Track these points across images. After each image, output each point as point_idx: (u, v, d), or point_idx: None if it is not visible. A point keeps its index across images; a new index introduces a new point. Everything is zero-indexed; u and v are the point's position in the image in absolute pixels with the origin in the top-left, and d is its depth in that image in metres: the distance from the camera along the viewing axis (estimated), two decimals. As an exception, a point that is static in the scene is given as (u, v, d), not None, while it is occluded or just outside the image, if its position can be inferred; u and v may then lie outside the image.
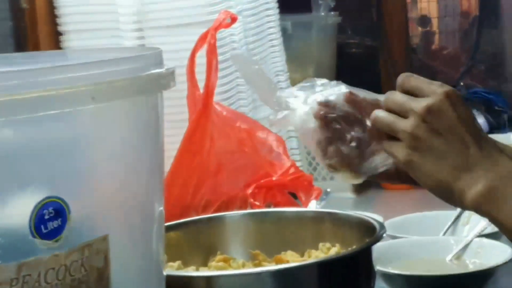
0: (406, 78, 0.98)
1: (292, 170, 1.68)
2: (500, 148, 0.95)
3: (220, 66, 1.75)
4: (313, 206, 1.60)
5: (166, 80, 0.60)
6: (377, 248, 1.31)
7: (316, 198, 1.67)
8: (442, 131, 0.93)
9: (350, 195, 2.21)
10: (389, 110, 0.97)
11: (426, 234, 1.56)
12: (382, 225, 1.03)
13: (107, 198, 0.61)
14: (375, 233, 1.03)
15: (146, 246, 0.75)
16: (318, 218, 1.14)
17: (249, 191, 1.63)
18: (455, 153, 0.92)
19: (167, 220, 1.73)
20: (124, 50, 0.67)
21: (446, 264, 1.34)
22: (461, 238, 1.39)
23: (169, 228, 1.14)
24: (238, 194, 1.72)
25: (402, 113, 0.95)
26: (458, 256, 1.36)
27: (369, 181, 2.26)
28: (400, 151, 0.95)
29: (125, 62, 0.55)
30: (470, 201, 0.92)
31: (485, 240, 1.36)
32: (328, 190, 1.71)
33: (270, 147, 1.71)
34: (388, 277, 1.26)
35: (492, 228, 1.42)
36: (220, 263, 1.07)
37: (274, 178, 1.66)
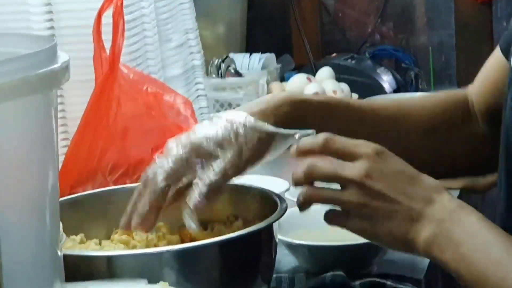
0: (329, 141, 0.96)
1: (199, 133, 1.67)
2: (437, 186, 0.95)
3: (127, 26, 1.73)
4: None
5: (59, 76, 0.58)
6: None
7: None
8: (385, 191, 0.93)
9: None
10: (318, 179, 0.96)
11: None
12: (282, 200, 1.04)
13: None
14: (276, 206, 1.04)
15: (38, 227, 0.74)
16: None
17: (156, 156, 1.62)
18: (401, 208, 0.93)
19: (74, 183, 1.73)
20: (16, 38, 0.65)
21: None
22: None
23: (71, 201, 1.14)
24: (145, 158, 1.71)
25: (336, 182, 0.95)
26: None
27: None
28: (350, 222, 0.95)
29: (13, 62, 0.54)
30: (421, 250, 0.94)
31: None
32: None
33: (178, 110, 1.70)
34: (291, 246, 1.28)
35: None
36: (124, 236, 1.06)
37: (181, 142, 1.65)
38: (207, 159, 1.02)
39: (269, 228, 0.99)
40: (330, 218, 0.98)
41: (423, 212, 0.93)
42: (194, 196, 1.00)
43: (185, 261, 0.91)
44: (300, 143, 0.98)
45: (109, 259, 0.91)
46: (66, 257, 0.81)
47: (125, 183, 1.70)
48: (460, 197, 1.70)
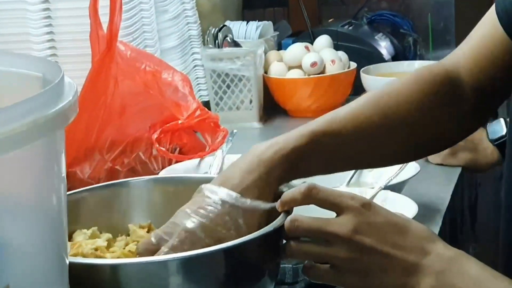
0: (312, 190, 0.93)
1: (198, 112, 1.66)
2: (429, 235, 0.92)
3: (124, 0, 1.70)
4: (219, 153, 1.58)
5: (66, 115, 0.56)
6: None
7: (222, 140, 1.66)
8: (376, 245, 0.90)
9: (256, 124, 2.21)
10: (302, 235, 0.93)
11: (331, 181, 1.57)
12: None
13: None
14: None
15: (45, 239, 0.72)
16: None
17: (155, 136, 1.60)
18: (394, 262, 0.90)
19: (71, 161, 1.70)
20: (20, 59, 0.62)
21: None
22: (366, 189, 1.39)
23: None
24: (143, 136, 1.69)
25: (322, 237, 0.92)
26: (364, 209, 1.37)
27: (274, 109, 2.27)
28: (339, 277, 0.92)
29: (17, 108, 0.50)
30: None
31: (390, 193, 1.38)
32: (235, 131, 1.69)
33: (176, 87, 1.68)
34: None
35: (396, 180, 1.44)
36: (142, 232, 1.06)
37: (180, 122, 1.64)
38: None
39: (277, 230, 0.97)
40: (312, 273, 0.94)
41: (419, 264, 0.89)
42: None
43: (191, 268, 0.90)
44: (283, 196, 0.95)
45: (113, 267, 0.89)
46: (70, 265, 0.80)
47: (123, 162, 1.69)
48: (461, 175, 1.68)
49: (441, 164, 1.72)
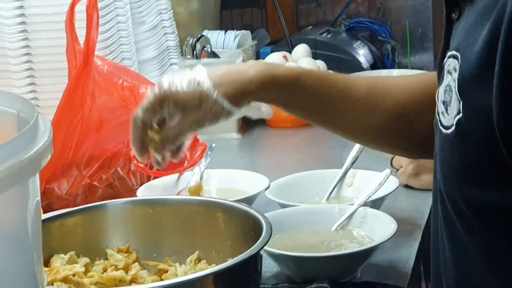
0: None
1: (176, 127, 1.64)
2: None
3: (100, 13, 1.68)
4: (197, 169, 1.58)
5: (40, 159, 0.55)
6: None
7: (200, 154, 1.65)
8: None
9: (235, 135, 2.20)
10: None
11: (311, 195, 1.57)
12: (268, 225, 1.02)
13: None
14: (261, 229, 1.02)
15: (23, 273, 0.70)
16: (208, 209, 1.12)
17: (133, 153, 1.59)
18: None
19: (49, 177, 1.69)
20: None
21: (332, 234, 1.35)
22: (345, 206, 1.39)
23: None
24: (121, 151, 1.68)
25: None
26: (343, 226, 1.37)
27: (253, 120, 2.27)
28: None
29: None
30: None
31: (368, 209, 1.37)
32: (213, 145, 1.68)
33: (154, 102, 1.67)
34: (274, 256, 1.25)
35: (375, 196, 1.44)
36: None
37: (158, 137, 1.62)
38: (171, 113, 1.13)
39: (257, 254, 0.96)
40: None
41: None
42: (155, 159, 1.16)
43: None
44: None
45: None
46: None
47: (101, 177, 1.68)
48: None
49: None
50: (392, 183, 1.49)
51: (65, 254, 1.07)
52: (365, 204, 1.38)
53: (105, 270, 1.06)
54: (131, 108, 1.65)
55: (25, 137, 0.55)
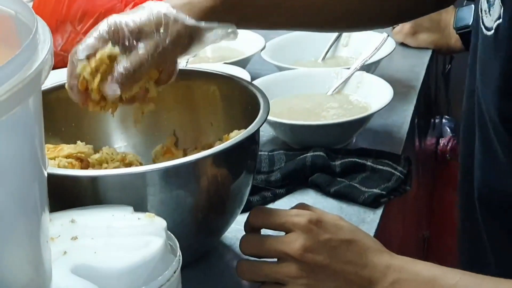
0: (257, 217, 0.94)
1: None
2: (376, 247, 0.92)
3: None
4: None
5: (39, 78, 0.54)
6: (261, 82, 1.33)
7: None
8: (326, 262, 0.89)
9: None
10: (251, 256, 0.93)
11: (306, 55, 1.57)
12: (266, 103, 1.02)
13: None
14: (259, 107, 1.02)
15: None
16: (206, 82, 1.12)
17: (128, 10, 1.57)
18: (346, 277, 0.89)
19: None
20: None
21: (328, 99, 1.36)
22: (342, 70, 1.39)
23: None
24: (115, 6, 1.66)
25: (271, 257, 0.91)
26: (339, 90, 1.37)
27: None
28: None
29: None
30: None
31: (364, 74, 1.37)
32: None
33: (148, -44, 1.63)
34: (272, 123, 1.27)
35: (371, 59, 1.44)
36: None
37: (153, -6, 1.60)
38: (126, 45, 0.98)
39: (255, 132, 0.97)
40: None
41: (372, 278, 0.89)
42: (109, 84, 0.97)
43: (168, 178, 0.90)
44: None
45: (93, 179, 0.90)
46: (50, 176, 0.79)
47: (95, 34, 1.66)
48: (431, 57, 1.66)
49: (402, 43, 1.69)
50: (389, 44, 1.48)
51: (62, 127, 1.08)
52: (361, 68, 1.38)
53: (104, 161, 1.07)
54: (124, -36, 1.62)
55: (26, 53, 0.54)
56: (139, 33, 0.98)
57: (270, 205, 1.15)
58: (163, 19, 0.99)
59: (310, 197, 1.17)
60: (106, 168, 1.06)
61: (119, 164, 1.05)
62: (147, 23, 0.99)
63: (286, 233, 0.93)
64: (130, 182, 0.90)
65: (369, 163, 1.21)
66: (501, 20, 0.86)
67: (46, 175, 0.70)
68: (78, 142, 1.06)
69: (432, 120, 1.92)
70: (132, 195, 0.90)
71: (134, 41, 0.98)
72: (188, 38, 1.00)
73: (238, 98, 1.08)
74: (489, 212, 1.00)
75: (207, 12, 1.01)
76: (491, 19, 0.89)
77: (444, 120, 2.04)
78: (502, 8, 0.86)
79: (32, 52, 0.55)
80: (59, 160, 1.00)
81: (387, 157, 1.23)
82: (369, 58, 1.40)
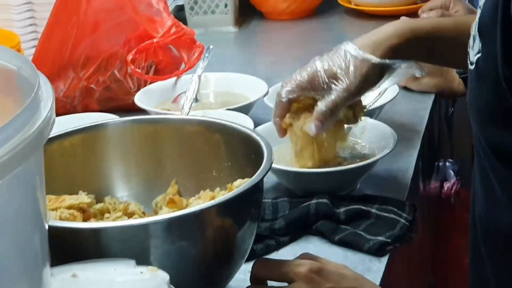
0: (259, 270, 0.96)
1: (173, 29, 1.62)
2: None
3: None
4: (195, 77, 1.56)
5: (42, 137, 0.53)
6: (264, 129, 1.32)
7: (198, 57, 1.63)
8: None
9: (232, 28, 2.17)
10: None
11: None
12: (269, 151, 1.01)
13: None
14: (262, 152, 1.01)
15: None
16: (209, 130, 1.11)
17: (130, 57, 1.57)
18: None
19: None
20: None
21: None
22: (346, 116, 1.38)
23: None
24: (118, 52, 1.66)
25: None
26: (344, 135, 1.36)
27: (250, 12, 2.24)
28: None
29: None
30: None
31: (368, 120, 1.36)
32: (211, 46, 1.66)
33: (149, 3, 1.64)
34: (276, 170, 1.26)
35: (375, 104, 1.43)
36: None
37: (155, 40, 1.60)
38: (321, 90, 1.17)
39: (259, 182, 0.96)
40: None
41: None
42: (309, 124, 1.19)
43: (172, 229, 0.89)
44: None
45: (95, 231, 0.89)
46: (50, 229, 0.78)
47: (97, 80, 1.67)
48: (434, 101, 1.66)
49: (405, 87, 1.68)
50: (392, 89, 1.47)
51: (64, 177, 1.07)
52: (365, 114, 1.37)
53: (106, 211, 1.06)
54: (126, 10, 1.63)
55: (28, 111, 0.53)
56: (332, 78, 1.16)
57: (274, 254, 1.14)
58: (353, 61, 1.15)
59: (314, 245, 1.16)
60: (108, 218, 1.05)
61: (121, 214, 1.04)
62: (338, 69, 1.15)
63: (289, 283, 0.92)
64: (132, 234, 0.89)
65: (373, 210, 1.20)
66: (480, 54, 0.89)
67: (47, 228, 0.70)
68: (80, 192, 1.05)
69: (436, 164, 1.91)
70: (135, 247, 0.89)
71: (328, 84, 1.16)
72: (375, 77, 1.16)
73: (242, 147, 1.08)
74: (492, 248, 0.99)
75: (393, 51, 1.15)
76: (473, 53, 0.92)
77: (447, 163, 2.03)
78: (481, 42, 0.88)
79: (34, 110, 0.55)
80: (61, 211, 0.99)
81: (392, 204, 1.22)
82: (373, 104, 1.40)
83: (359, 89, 1.16)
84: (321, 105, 1.17)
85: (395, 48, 1.16)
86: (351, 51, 1.16)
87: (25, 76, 0.63)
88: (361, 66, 1.15)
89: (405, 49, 1.16)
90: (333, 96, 1.16)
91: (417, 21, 1.24)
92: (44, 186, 0.61)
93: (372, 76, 1.16)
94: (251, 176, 0.96)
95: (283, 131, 1.24)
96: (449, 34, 1.19)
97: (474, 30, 0.92)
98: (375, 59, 1.15)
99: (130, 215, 1.05)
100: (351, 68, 1.15)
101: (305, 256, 0.97)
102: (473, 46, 0.92)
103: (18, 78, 0.64)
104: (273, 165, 1.17)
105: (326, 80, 1.16)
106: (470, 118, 0.96)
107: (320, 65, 1.17)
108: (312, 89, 1.18)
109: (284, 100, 1.20)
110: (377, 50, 1.15)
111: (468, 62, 0.94)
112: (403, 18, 1.53)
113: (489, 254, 1.00)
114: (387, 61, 1.15)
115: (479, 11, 0.91)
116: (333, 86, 1.16)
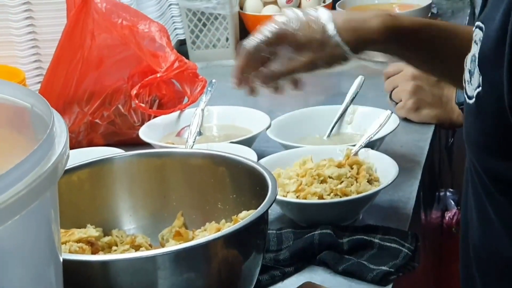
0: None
1: (176, 64, 1.64)
2: None
3: None
4: (198, 111, 1.58)
5: (56, 172, 0.55)
6: (268, 161, 1.34)
7: (201, 91, 1.66)
8: None
9: (233, 62, 2.19)
10: None
11: (311, 132, 1.58)
12: (274, 183, 1.03)
13: None
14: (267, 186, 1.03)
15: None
16: (214, 163, 1.13)
17: (134, 91, 1.60)
18: None
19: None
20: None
21: (333, 176, 1.36)
22: (347, 147, 1.40)
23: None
24: (122, 87, 1.69)
25: None
26: (345, 167, 1.38)
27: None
28: None
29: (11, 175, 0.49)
30: None
31: (370, 151, 1.38)
32: (213, 81, 1.68)
33: (153, 38, 1.66)
34: (278, 201, 1.27)
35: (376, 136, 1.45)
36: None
37: (158, 75, 1.63)
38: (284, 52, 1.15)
39: (264, 213, 0.98)
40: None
41: None
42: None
43: (179, 261, 0.91)
44: None
45: (104, 264, 0.91)
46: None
47: (102, 115, 1.69)
48: (434, 132, 1.67)
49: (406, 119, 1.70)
50: (392, 121, 1.50)
51: (72, 211, 1.09)
52: (366, 145, 1.40)
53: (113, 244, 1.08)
54: (130, 46, 1.65)
55: (43, 148, 0.56)
56: (301, 45, 1.14)
57: (279, 284, 1.16)
58: (327, 42, 1.13)
59: (318, 276, 1.17)
60: (115, 251, 1.07)
61: (129, 247, 1.06)
62: (309, 39, 1.13)
63: None
64: (140, 266, 0.91)
65: (376, 240, 1.22)
66: (480, 88, 0.90)
67: (61, 260, 0.71)
68: (88, 225, 1.07)
69: (437, 193, 1.93)
70: (143, 278, 0.91)
71: (291, 52, 1.14)
72: (341, 62, 1.16)
73: (246, 179, 1.10)
74: (486, 277, 1.01)
75: (371, 44, 1.14)
76: (472, 88, 0.93)
77: (448, 193, 2.05)
78: (481, 76, 0.89)
79: (49, 146, 0.57)
80: (70, 244, 1.01)
81: (395, 234, 1.24)
82: (374, 135, 1.42)
83: (319, 66, 1.16)
84: (276, 64, 1.17)
85: (373, 42, 1.15)
86: (329, 31, 1.14)
87: (38, 113, 0.66)
88: (333, 49, 1.14)
89: (384, 45, 1.16)
90: (291, 64, 1.16)
91: (403, 19, 1.20)
92: (59, 219, 0.63)
93: (338, 61, 1.16)
94: (256, 208, 0.98)
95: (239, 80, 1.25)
96: (436, 37, 1.18)
97: (470, 65, 0.93)
98: (350, 53, 1.14)
99: (137, 247, 1.07)
100: (327, 49, 1.14)
101: (308, 285, 0.98)
102: (470, 80, 0.93)
103: (32, 115, 0.67)
104: (277, 197, 1.20)
105: (289, 47, 1.15)
106: (466, 149, 0.98)
107: (293, 24, 1.15)
108: (277, 44, 1.16)
109: (252, 51, 1.18)
110: (355, 40, 1.14)
111: (465, 95, 0.96)
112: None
113: (483, 283, 1.02)
114: (361, 58, 1.15)
115: (475, 46, 0.92)
116: (294, 54, 1.15)
